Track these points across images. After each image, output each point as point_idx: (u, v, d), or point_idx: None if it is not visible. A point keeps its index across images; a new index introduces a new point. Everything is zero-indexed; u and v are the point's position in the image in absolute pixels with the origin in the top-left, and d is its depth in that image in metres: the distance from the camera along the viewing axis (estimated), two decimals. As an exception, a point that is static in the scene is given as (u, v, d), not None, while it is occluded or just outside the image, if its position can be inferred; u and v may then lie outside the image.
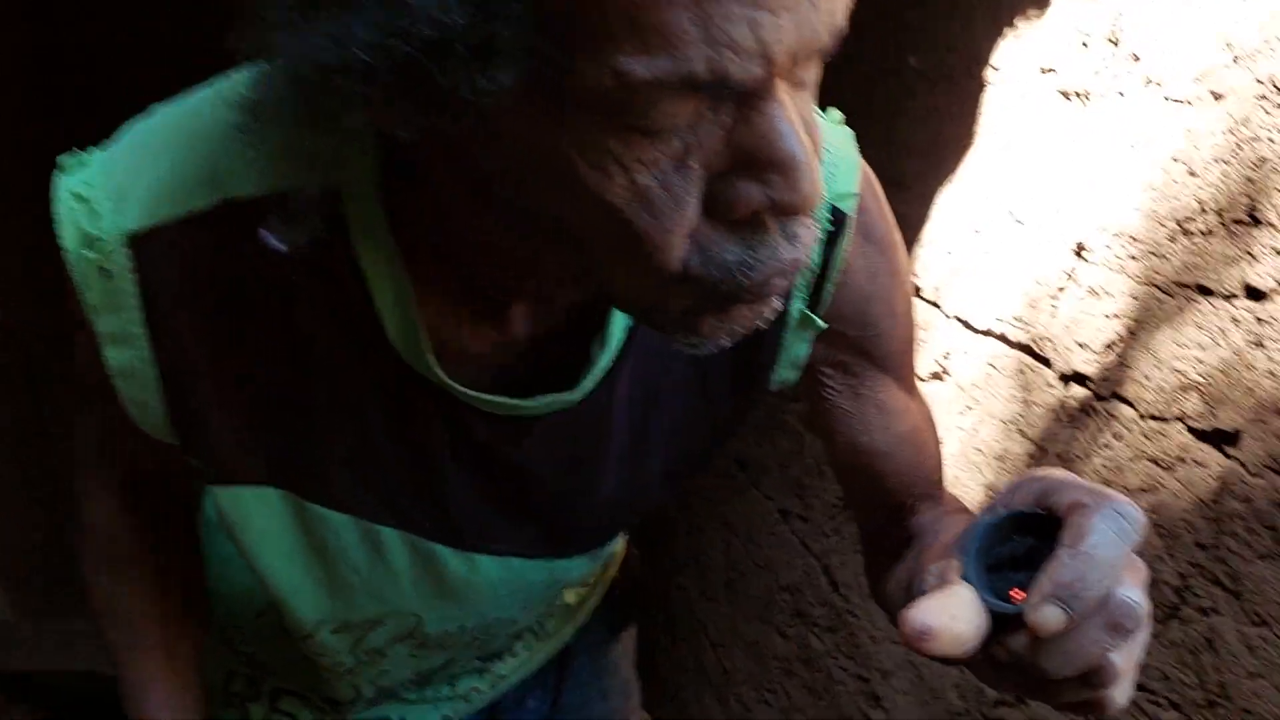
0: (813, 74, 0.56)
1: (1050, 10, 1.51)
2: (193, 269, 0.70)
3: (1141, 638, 0.53)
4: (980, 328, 1.64)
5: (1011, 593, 0.53)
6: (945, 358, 1.74)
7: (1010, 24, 1.58)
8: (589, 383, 0.77)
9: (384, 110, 0.52)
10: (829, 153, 0.78)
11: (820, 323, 0.83)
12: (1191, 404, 1.19)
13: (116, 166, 0.70)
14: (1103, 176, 1.38)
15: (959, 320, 1.70)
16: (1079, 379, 1.40)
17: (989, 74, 1.65)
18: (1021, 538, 0.55)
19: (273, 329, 0.72)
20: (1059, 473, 0.57)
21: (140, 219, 0.68)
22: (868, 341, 0.88)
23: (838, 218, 0.79)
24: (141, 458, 0.91)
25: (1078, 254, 1.42)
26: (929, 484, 0.92)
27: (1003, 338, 1.58)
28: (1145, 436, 1.26)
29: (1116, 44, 1.38)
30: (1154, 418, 1.25)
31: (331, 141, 0.56)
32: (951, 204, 1.76)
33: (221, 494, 0.81)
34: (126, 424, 0.78)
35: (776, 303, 0.61)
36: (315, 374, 0.74)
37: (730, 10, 0.47)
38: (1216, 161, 1.18)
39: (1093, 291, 1.38)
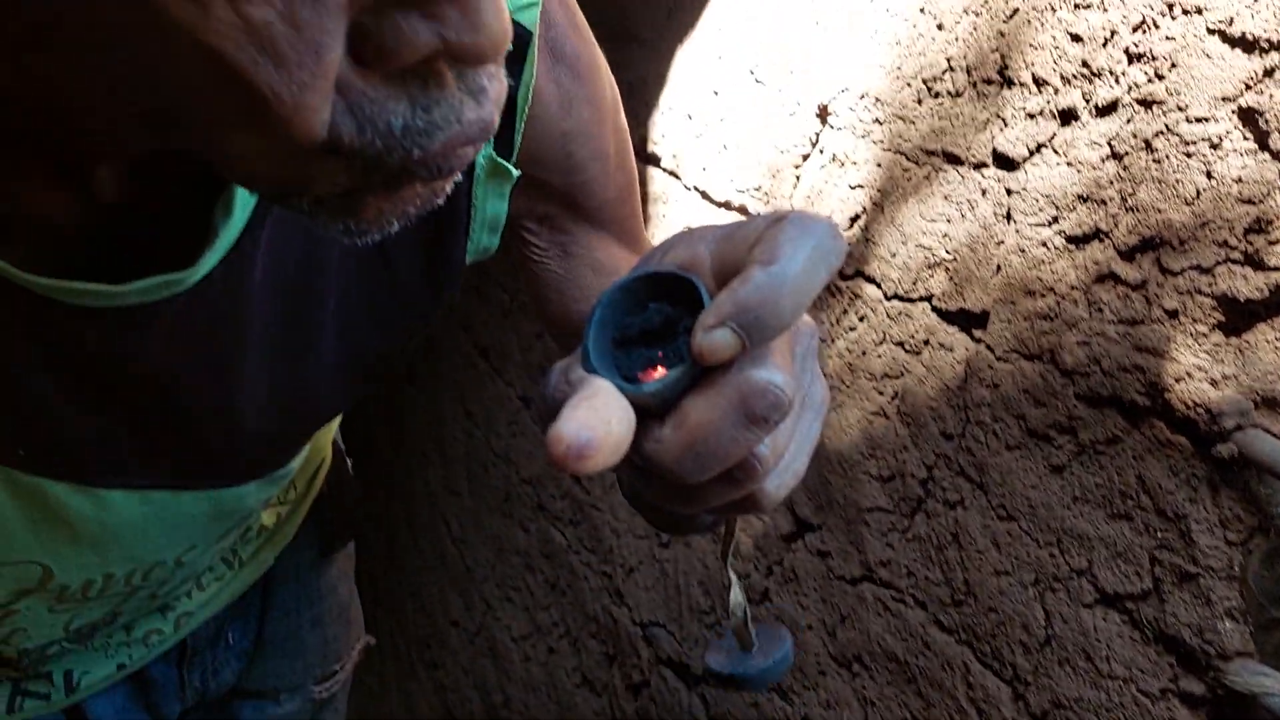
0: None
1: None
2: None
3: (791, 424, 0.44)
4: (720, 199, 1.51)
5: (641, 375, 0.42)
6: (685, 233, 1.61)
7: None
8: (210, 259, 0.58)
9: None
10: None
11: (514, 171, 0.69)
12: (938, 283, 1.10)
13: None
14: (847, 31, 1.24)
15: (699, 191, 1.56)
16: (823, 256, 1.29)
17: (727, -86, 1.48)
18: (660, 305, 0.43)
19: None
20: (724, 226, 0.44)
21: None
22: (575, 190, 0.75)
23: (518, 35, 0.64)
24: None
25: (821, 118, 1.29)
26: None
27: (743, 210, 1.46)
28: (890, 318, 1.17)
29: (862, -121, 1.24)
30: (899, 298, 1.16)
31: None
32: (689, 62, 1.59)
33: None
34: None
35: (459, 174, 0.46)
36: None
37: None
38: (966, 13, 1.07)
39: (836, 159, 1.26)
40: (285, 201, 0.44)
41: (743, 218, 1.44)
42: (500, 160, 0.69)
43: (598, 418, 0.38)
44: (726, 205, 1.49)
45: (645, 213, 1.73)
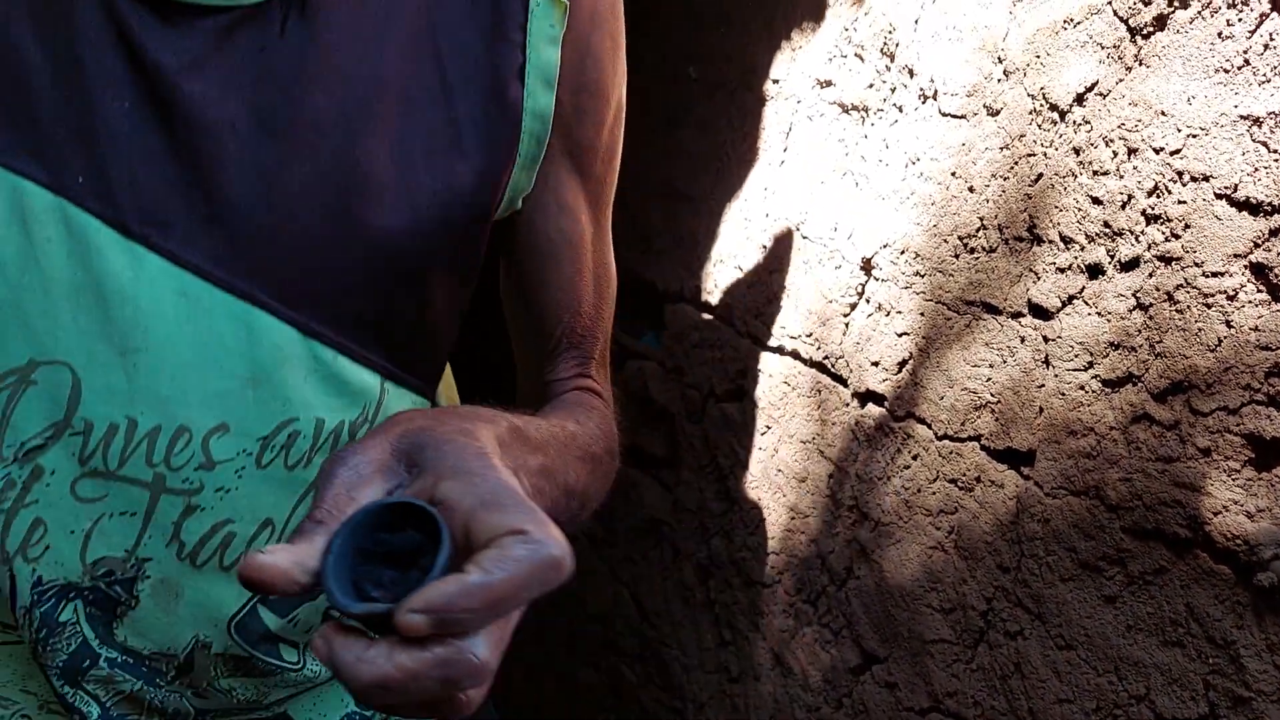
0: None
1: (825, 23, 1.48)
2: None
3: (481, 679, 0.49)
4: (773, 345, 1.60)
5: (371, 591, 0.49)
6: (740, 375, 1.70)
7: (786, 36, 1.55)
8: None
9: None
10: None
11: (565, 1, 0.78)
12: (985, 423, 1.18)
13: None
14: (887, 192, 1.35)
15: (750, 337, 1.66)
16: (874, 398, 1.37)
17: (769, 86, 1.61)
18: (410, 535, 0.49)
19: None
20: (495, 487, 0.51)
21: None
22: (572, 117, 0.82)
23: None
24: None
25: (866, 270, 1.39)
26: (579, 320, 0.88)
27: (795, 355, 1.55)
28: (942, 457, 1.24)
29: (891, 57, 1.36)
30: (949, 438, 1.23)
31: None
32: (737, 218, 1.71)
33: None
34: None
35: None
36: None
37: None
38: (995, 178, 1.17)
39: (882, 308, 1.35)
40: None
41: (797, 363, 1.51)
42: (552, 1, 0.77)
43: (292, 557, 0.48)
44: (779, 350, 1.59)
45: (699, 356, 1.83)
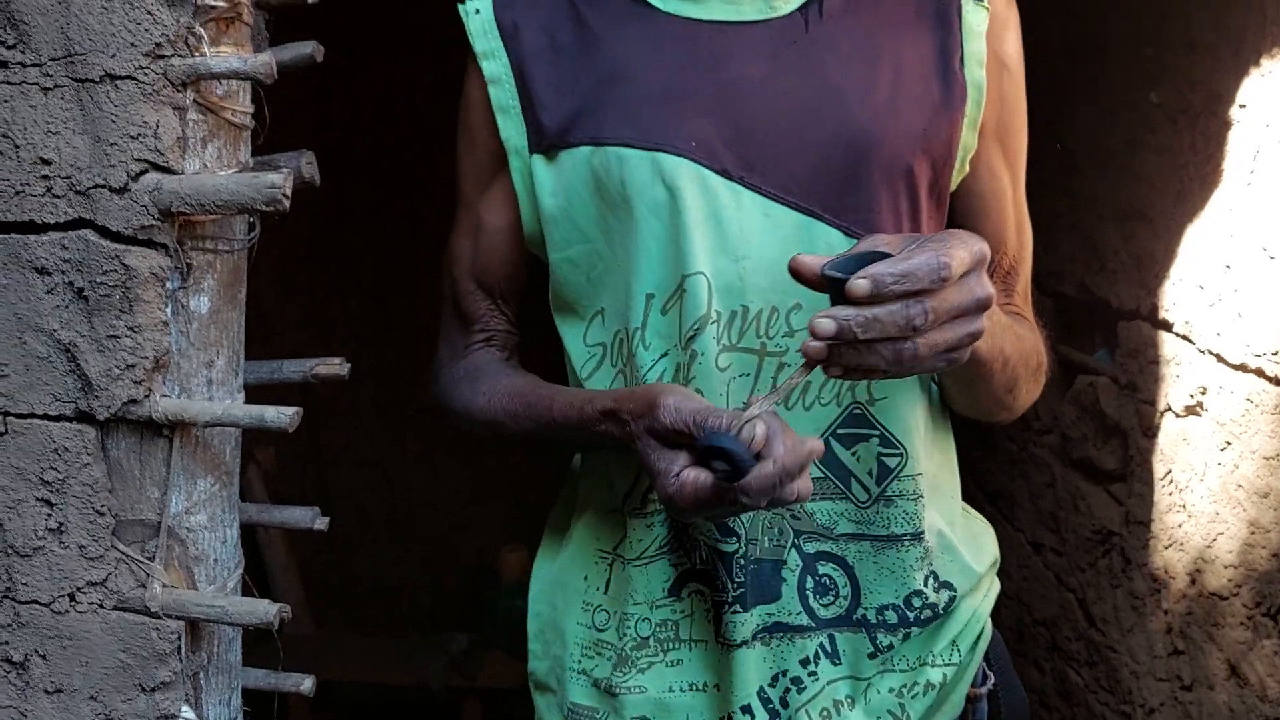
0: None
1: (1297, 46, 1.51)
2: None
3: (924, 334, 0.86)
4: (1235, 362, 1.63)
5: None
6: (1201, 393, 1.74)
7: (1255, 61, 1.58)
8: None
9: None
10: None
11: (986, 8, 1.08)
12: None
13: None
14: (1361, 212, 1.36)
15: (1213, 355, 1.70)
16: (1344, 416, 1.38)
17: (1235, 111, 1.65)
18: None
19: (568, 18, 1.09)
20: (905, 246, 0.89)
21: None
22: (996, 101, 1.11)
23: None
24: (492, 264, 1.20)
25: (1337, 291, 1.41)
26: (1004, 256, 1.17)
27: (1260, 372, 1.57)
28: None
29: (1370, 79, 1.37)
30: None
31: None
32: (1199, 239, 1.76)
33: (564, 154, 1.09)
34: (485, 228, 1.18)
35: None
36: (594, 44, 1.07)
37: None
38: None
39: (1355, 328, 1.37)
40: None
41: (1261, 380, 1.55)
42: (979, 4, 1.08)
43: (815, 260, 0.92)
44: (1242, 368, 1.62)
45: (1155, 373, 1.88)
